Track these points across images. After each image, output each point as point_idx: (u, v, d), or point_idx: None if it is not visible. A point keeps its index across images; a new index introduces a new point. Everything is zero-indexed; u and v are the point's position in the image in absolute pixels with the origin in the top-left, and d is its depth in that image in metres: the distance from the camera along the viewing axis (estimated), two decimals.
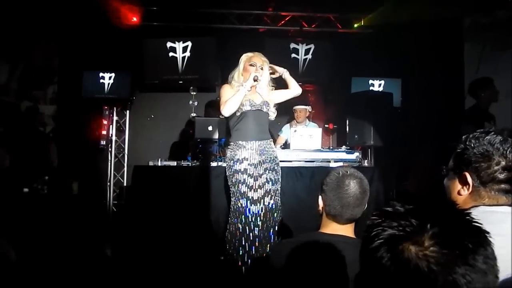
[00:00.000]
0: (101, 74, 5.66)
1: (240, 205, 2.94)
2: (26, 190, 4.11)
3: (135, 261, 3.52)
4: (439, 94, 5.35)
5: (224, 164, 3.94)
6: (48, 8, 5.09)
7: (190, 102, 4.64)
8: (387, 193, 4.31)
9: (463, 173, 1.14)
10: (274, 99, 3.16)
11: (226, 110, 2.94)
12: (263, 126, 3.08)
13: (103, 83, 5.67)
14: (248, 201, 2.93)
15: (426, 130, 5.32)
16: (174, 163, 4.15)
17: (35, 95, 5.75)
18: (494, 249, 0.64)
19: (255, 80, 2.96)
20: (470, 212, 0.67)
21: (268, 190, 2.97)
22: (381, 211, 0.70)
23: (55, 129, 5.77)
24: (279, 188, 3.06)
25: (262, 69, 3.06)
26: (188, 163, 4.16)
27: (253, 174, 2.95)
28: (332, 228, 1.52)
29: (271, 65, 3.18)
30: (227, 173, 3.05)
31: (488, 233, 0.65)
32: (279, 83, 3.30)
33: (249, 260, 2.89)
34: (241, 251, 2.91)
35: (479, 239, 0.63)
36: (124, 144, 6.04)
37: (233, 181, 2.98)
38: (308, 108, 5.27)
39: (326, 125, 5.81)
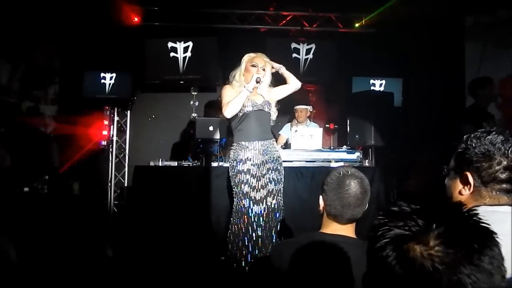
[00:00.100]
0: (102, 74, 5.66)
1: (242, 206, 2.93)
2: (26, 189, 4.12)
3: (136, 261, 3.53)
4: (440, 93, 5.34)
5: (225, 164, 3.95)
6: (49, 9, 5.10)
7: (191, 102, 4.65)
8: (388, 193, 4.31)
9: (464, 173, 1.13)
10: (275, 97, 3.15)
11: (228, 112, 2.94)
12: (266, 126, 3.08)
13: (104, 83, 5.67)
14: (251, 201, 2.93)
15: (427, 129, 5.31)
16: (175, 163, 4.15)
17: (36, 95, 5.75)
18: (501, 250, 0.64)
19: (257, 82, 2.96)
20: (478, 213, 0.67)
21: (270, 190, 2.97)
22: (387, 211, 0.70)
23: (56, 129, 5.78)
24: (281, 188, 3.05)
25: (264, 70, 3.05)
26: (189, 163, 4.16)
27: (256, 174, 2.95)
28: (332, 228, 1.52)
29: (266, 59, 3.14)
30: (230, 173, 3.04)
31: (495, 233, 0.65)
32: (279, 80, 3.29)
33: (252, 260, 2.89)
34: (244, 252, 2.91)
35: (486, 239, 0.63)
36: (125, 144, 6.04)
37: (236, 181, 2.97)
38: (309, 108, 5.27)
39: (327, 125, 5.81)
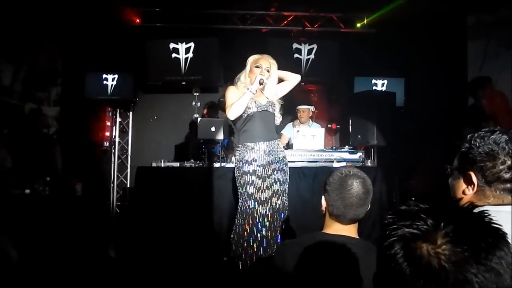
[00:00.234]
0: (104, 76, 5.68)
1: (247, 206, 2.93)
2: (27, 191, 4.12)
3: (138, 262, 3.53)
4: (442, 93, 5.33)
5: (228, 165, 3.96)
6: (51, 10, 5.11)
7: (193, 103, 4.65)
8: (390, 193, 4.30)
9: (468, 172, 1.13)
10: (279, 93, 3.14)
11: (232, 113, 2.93)
12: (270, 127, 3.08)
13: (106, 85, 5.68)
14: (256, 202, 2.93)
15: (430, 129, 5.29)
16: (177, 164, 4.15)
17: (38, 97, 5.76)
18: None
19: (260, 84, 2.95)
20: (490, 213, 0.67)
21: (275, 191, 2.97)
22: (396, 210, 0.71)
23: (59, 130, 5.79)
24: (287, 188, 3.05)
25: (268, 71, 3.04)
26: (191, 164, 4.16)
27: (261, 175, 2.95)
28: (335, 228, 1.51)
29: (272, 61, 3.12)
30: (235, 174, 3.04)
31: (506, 234, 0.65)
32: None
33: (257, 261, 2.89)
34: (249, 252, 2.91)
35: (494, 239, 0.63)
36: (127, 145, 6.05)
37: (242, 182, 2.97)
38: (311, 108, 5.26)
39: (329, 125, 5.80)
